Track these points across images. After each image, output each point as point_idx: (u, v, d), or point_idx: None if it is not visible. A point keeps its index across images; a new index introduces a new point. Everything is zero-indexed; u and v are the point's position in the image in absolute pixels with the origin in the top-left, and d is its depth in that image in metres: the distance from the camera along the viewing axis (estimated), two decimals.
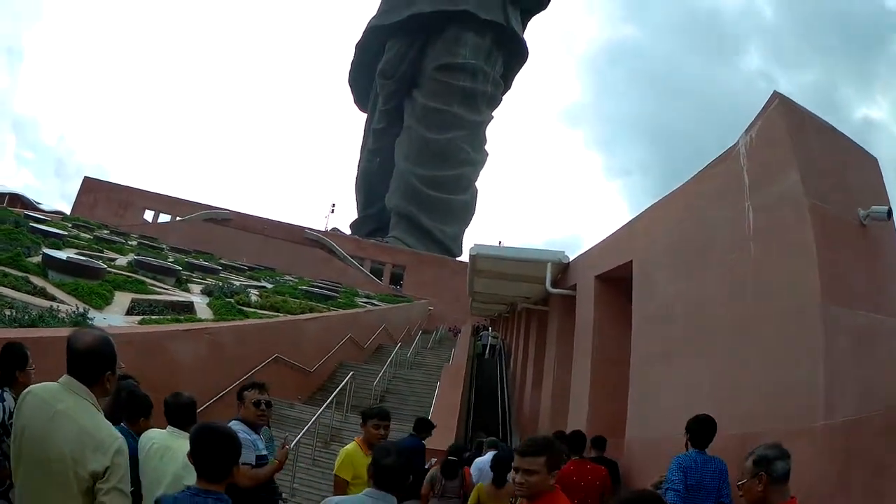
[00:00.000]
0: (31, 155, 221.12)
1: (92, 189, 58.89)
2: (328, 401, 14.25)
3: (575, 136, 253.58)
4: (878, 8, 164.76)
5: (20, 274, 14.13)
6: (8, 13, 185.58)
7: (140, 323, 13.18)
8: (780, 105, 5.55)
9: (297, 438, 11.64)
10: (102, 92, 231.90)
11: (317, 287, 31.87)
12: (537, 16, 76.29)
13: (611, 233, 11.21)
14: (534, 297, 17.40)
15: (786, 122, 5.42)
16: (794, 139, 5.29)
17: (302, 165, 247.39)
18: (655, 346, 7.87)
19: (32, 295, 12.60)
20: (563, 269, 13.99)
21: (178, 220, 55.74)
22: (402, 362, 23.10)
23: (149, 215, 59.33)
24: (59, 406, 2.67)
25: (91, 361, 2.78)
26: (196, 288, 21.80)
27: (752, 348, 5.29)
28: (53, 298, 12.88)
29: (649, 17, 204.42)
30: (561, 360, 13.53)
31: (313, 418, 12.94)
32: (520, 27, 72.44)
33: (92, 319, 11.61)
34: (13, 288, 12.59)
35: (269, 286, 29.92)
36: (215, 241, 47.40)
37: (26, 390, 2.83)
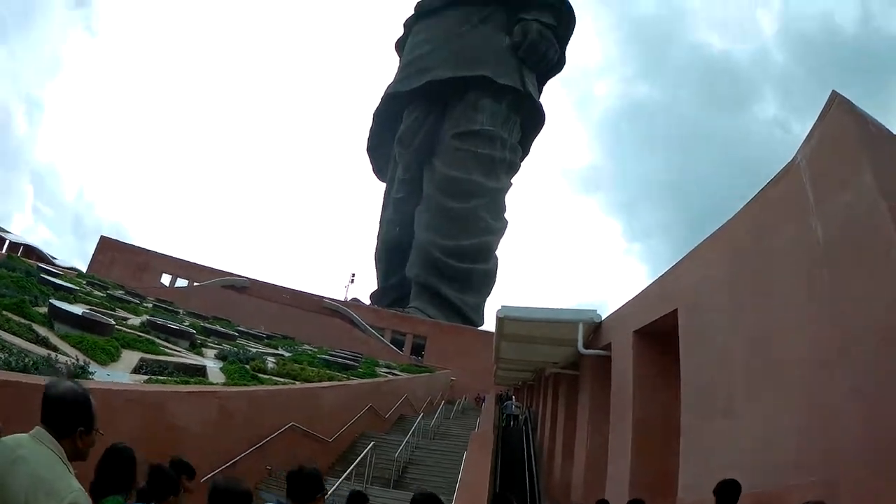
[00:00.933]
0: (50, 211, 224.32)
1: (109, 248, 59.32)
2: (347, 471, 13.37)
3: (592, 201, 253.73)
4: (891, 49, 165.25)
5: (23, 321, 13.55)
6: (30, 63, 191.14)
7: (146, 382, 12.45)
8: (841, 103, 4.92)
9: None
10: (122, 148, 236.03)
11: (336, 356, 31.04)
12: (552, 80, 77.27)
13: (649, 284, 10.51)
14: (563, 360, 16.59)
15: (850, 120, 4.81)
16: (861, 137, 4.65)
17: (321, 236, 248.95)
18: (711, 397, 7.08)
19: (33, 343, 12.01)
20: (594, 329, 13.30)
21: (196, 286, 55.64)
22: (426, 432, 22.13)
23: (166, 279, 59.43)
24: (21, 451, 2.55)
25: (62, 411, 2.67)
26: (210, 352, 21.08)
27: (838, 380, 4.50)
28: (55, 349, 12.26)
29: (661, 74, 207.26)
30: (595, 425, 12.80)
31: (332, 489, 12.03)
32: (536, 91, 72.86)
33: (93, 374, 10.98)
34: (13, 334, 12.01)
35: (287, 354, 29.15)
36: (233, 309, 46.94)
37: None
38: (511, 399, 33.76)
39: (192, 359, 18.15)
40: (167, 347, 18.44)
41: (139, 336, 18.01)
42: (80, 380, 9.94)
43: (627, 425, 9.86)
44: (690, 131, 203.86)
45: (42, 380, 8.11)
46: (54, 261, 52.66)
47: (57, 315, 15.60)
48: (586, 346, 12.94)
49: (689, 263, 8.64)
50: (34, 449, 2.58)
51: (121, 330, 17.71)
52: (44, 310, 16.35)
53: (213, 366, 17.72)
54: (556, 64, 74.93)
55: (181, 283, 58.94)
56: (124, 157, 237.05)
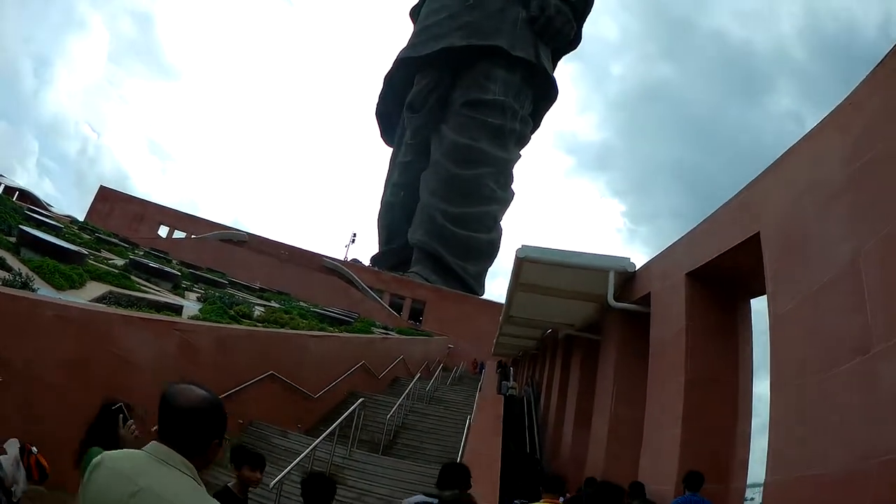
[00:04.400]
0: (55, 166, 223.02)
1: (107, 198, 57.83)
2: (328, 430, 11.57)
3: (599, 180, 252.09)
4: None
5: None
6: (40, 19, 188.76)
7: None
8: None
9: (282, 474, 8.91)
10: (128, 104, 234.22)
11: (331, 312, 29.27)
12: (568, 56, 76.27)
13: (706, 217, 8.57)
14: (581, 321, 14.73)
15: None
16: None
17: (324, 194, 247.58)
18: (822, 342, 5.19)
19: None
20: (625, 282, 11.42)
21: (193, 238, 54.03)
22: (421, 396, 20.37)
23: (163, 231, 57.79)
24: (143, 481, 1.98)
25: (196, 426, 2.13)
26: (192, 295, 19.19)
27: None
28: (9, 270, 10.42)
29: (679, 58, 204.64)
30: (622, 394, 10.98)
31: (307, 450, 10.24)
32: (550, 66, 71.52)
33: (35, 290, 9.14)
34: None
35: (278, 306, 27.25)
36: (229, 262, 45.18)
37: (96, 460, 2.15)
38: (510, 370, 32.13)
39: (170, 298, 16.25)
40: (145, 285, 16.50)
41: (114, 271, 16.08)
42: None
43: (675, 390, 8.05)
44: (703, 117, 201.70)
45: None
46: (49, 208, 50.49)
47: (25, 241, 13.94)
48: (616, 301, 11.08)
49: (784, 168, 6.72)
50: (161, 476, 2.01)
51: (95, 264, 15.81)
52: (14, 239, 14.60)
53: (191, 306, 15.87)
54: (572, 40, 73.61)
55: (179, 235, 57.24)
56: (130, 113, 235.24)
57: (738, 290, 8.59)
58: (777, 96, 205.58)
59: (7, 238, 13.85)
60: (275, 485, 8.62)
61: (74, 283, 12.01)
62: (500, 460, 10.21)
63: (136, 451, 2.15)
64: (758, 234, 6.84)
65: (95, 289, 12.62)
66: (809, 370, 5.43)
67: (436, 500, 5.14)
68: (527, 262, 11.29)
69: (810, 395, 5.26)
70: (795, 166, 6.46)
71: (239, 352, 12.23)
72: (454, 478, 5.68)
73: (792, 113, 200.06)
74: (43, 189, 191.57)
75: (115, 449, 2.47)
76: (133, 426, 3.78)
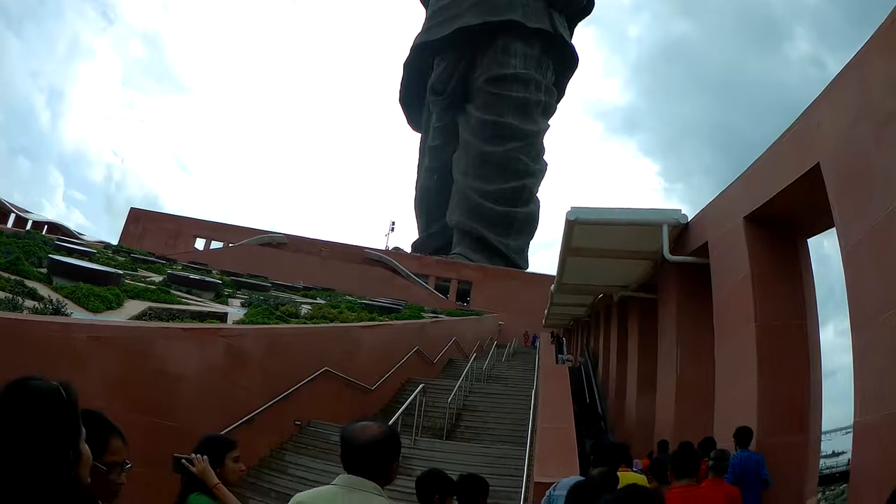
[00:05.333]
0: (82, 196, 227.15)
1: (139, 219, 57.17)
2: (393, 419, 11.31)
3: (630, 142, 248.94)
4: None
5: (14, 277, 11.57)
6: (47, 54, 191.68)
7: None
8: None
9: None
10: (148, 122, 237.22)
11: (378, 302, 29.06)
12: (584, 22, 75.58)
13: (761, 154, 8.02)
14: (635, 281, 14.21)
15: None
16: None
17: (359, 187, 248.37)
18: None
19: (19, 296, 9.95)
20: (678, 235, 10.92)
21: (231, 246, 53.86)
22: (478, 376, 20.03)
23: (200, 244, 57.25)
24: None
25: (378, 456, 2.56)
26: (236, 302, 19.03)
27: None
28: (40, 299, 10.22)
29: (695, 13, 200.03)
30: (686, 350, 10.56)
31: None
32: (567, 33, 70.82)
33: (68, 315, 8.92)
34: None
35: (324, 302, 27.02)
36: (270, 265, 45.07)
37: (294, 500, 2.51)
38: (563, 341, 31.64)
39: (213, 307, 16.05)
40: (186, 298, 16.26)
41: (152, 287, 15.78)
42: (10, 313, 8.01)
43: (747, 339, 7.59)
44: (724, 71, 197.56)
45: None
46: (81, 236, 49.65)
47: (56, 270, 13.62)
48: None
49: (834, 96, 6.21)
50: (357, 502, 2.44)
51: (131, 283, 15.59)
52: (45, 270, 14.21)
53: (236, 312, 15.68)
54: (585, 6, 72.79)
55: (216, 245, 56.97)
56: (151, 131, 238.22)
57: (796, 230, 8.11)
58: (796, 42, 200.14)
59: (38, 270, 13.52)
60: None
61: (111, 304, 11.66)
62: (574, 431, 9.81)
63: (328, 486, 2.55)
64: (817, 165, 6.36)
65: (134, 307, 12.28)
66: (892, 301, 4.98)
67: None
68: (578, 224, 10.79)
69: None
70: (845, 93, 6.00)
71: (289, 352, 12.01)
72: (610, 456, 5.95)
73: (812, 57, 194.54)
74: (73, 220, 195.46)
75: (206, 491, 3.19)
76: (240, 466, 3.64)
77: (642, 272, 13.34)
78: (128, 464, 2.07)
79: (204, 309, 14.60)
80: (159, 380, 7.99)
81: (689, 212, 10.86)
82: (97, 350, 7.10)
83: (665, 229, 10.35)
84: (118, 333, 7.89)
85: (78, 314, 9.70)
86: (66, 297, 10.90)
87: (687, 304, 10.79)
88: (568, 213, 10.79)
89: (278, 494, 9.21)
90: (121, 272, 15.57)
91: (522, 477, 8.84)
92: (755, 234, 7.87)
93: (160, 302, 13.47)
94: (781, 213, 7.61)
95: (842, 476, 21.47)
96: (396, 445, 2.63)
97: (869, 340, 5.21)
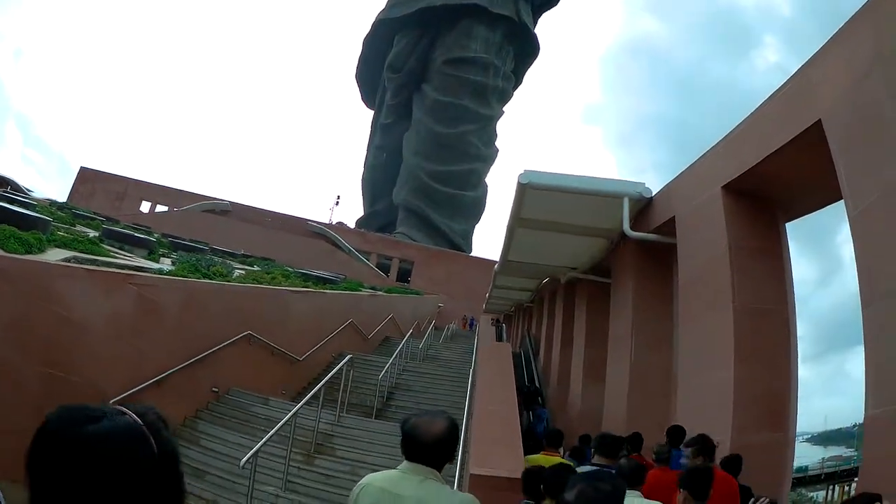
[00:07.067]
0: (38, 156, 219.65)
1: (89, 179, 55.86)
2: (312, 391, 10.26)
3: (595, 132, 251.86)
4: None
5: None
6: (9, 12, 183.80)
7: None
8: None
9: (257, 446, 7.62)
10: (106, 89, 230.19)
11: (316, 273, 27.84)
12: (550, 12, 75.40)
13: (749, 114, 7.21)
14: (587, 261, 13.40)
15: None
16: None
17: (306, 159, 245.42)
18: None
19: None
20: (640, 211, 10.15)
21: (175, 210, 52.28)
22: (414, 355, 19.14)
23: (146, 207, 55.99)
24: (405, 493, 2.60)
25: (442, 449, 2.71)
26: (168, 261, 17.62)
27: None
28: None
29: (666, 11, 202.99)
30: (642, 337, 9.93)
31: (287, 416, 8.93)
32: (531, 22, 71.15)
33: None
34: None
35: (259, 269, 25.64)
36: (213, 232, 43.61)
37: (363, 482, 2.73)
38: (503, 328, 31.13)
39: (142, 263, 14.73)
40: (116, 251, 14.96)
41: (82, 237, 14.44)
42: None
43: (721, 323, 6.78)
44: (688, 72, 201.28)
45: None
46: (29, 192, 47.94)
47: None
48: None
49: (842, 45, 5.45)
50: (417, 487, 2.60)
51: (63, 234, 14.18)
52: None
53: (162, 268, 14.38)
54: None
55: (161, 209, 55.45)
56: (107, 95, 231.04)
57: (777, 208, 7.36)
58: (764, 50, 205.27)
59: None
60: (246, 462, 7.32)
61: (32, 249, 10.42)
62: (517, 413, 8.92)
63: (392, 471, 2.74)
64: (817, 123, 5.57)
65: (57, 254, 10.98)
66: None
67: (600, 468, 4.79)
68: (530, 188, 9.60)
69: None
70: (856, 41, 5.22)
71: (210, 310, 10.89)
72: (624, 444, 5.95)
73: (779, 66, 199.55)
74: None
75: None
76: None
77: (596, 252, 12.48)
78: None
79: (131, 263, 13.31)
80: (56, 326, 6.87)
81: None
82: None
83: (626, 202, 9.45)
84: (11, 266, 6.74)
85: None
86: None
87: (645, 287, 10.02)
88: (520, 176, 9.59)
89: (187, 468, 8.15)
90: (50, 219, 14.17)
91: (456, 466, 7.86)
92: (734, 207, 7.04)
93: (87, 253, 12.21)
94: (765, 185, 6.83)
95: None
96: (456, 439, 2.78)
97: (882, 321, 4.45)
